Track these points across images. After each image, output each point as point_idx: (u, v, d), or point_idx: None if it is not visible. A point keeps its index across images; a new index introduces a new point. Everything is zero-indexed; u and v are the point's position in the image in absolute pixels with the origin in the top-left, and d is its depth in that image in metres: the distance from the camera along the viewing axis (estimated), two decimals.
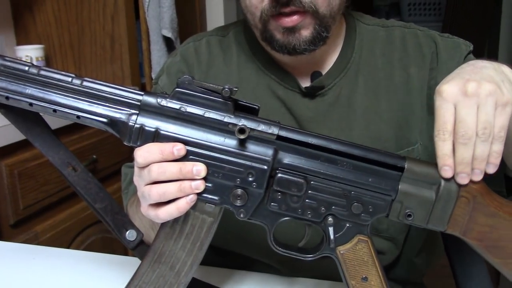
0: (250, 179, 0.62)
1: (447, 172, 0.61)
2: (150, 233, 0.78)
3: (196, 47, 0.95)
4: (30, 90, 0.62)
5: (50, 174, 1.58)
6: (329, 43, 0.85)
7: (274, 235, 0.66)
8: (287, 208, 0.64)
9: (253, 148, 0.62)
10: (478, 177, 0.62)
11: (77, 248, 1.70)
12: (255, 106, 0.65)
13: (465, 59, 0.87)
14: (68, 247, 1.67)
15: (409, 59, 0.88)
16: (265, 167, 0.62)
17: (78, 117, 0.63)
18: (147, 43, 2.18)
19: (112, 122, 0.62)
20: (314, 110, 0.87)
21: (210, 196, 0.63)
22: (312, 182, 0.63)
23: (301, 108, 0.87)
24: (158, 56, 2.18)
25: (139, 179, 0.63)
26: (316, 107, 0.87)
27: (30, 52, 1.90)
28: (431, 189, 0.63)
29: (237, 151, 0.62)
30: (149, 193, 0.61)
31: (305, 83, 0.88)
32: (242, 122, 0.62)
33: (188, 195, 0.61)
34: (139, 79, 2.12)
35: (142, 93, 0.63)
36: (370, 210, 0.64)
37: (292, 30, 0.79)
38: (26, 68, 0.62)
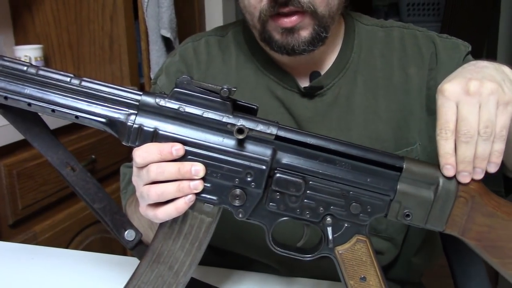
0: (249, 179, 0.62)
1: (449, 171, 0.61)
2: (149, 233, 0.78)
3: (195, 47, 0.95)
4: (28, 90, 0.62)
5: (49, 174, 1.58)
6: (328, 43, 0.85)
7: (273, 235, 0.66)
8: (286, 208, 0.64)
9: (252, 148, 0.62)
10: (479, 176, 0.62)
11: (76, 248, 1.70)
12: (253, 106, 0.65)
13: (464, 60, 0.87)
14: (67, 247, 1.67)
15: (408, 59, 0.89)
16: (264, 167, 0.62)
17: (76, 117, 0.63)
18: (146, 43, 2.18)
19: (111, 122, 0.62)
20: (313, 110, 0.87)
21: (208, 196, 0.63)
22: (310, 182, 0.63)
23: (300, 108, 0.87)
24: (157, 56, 2.18)
25: (137, 179, 0.63)
26: (315, 107, 0.87)
27: (29, 52, 1.90)
28: (430, 189, 0.63)
29: (235, 151, 0.62)
30: (147, 193, 0.61)
31: (304, 83, 0.88)
32: (241, 122, 0.62)
33: (186, 195, 0.61)
34: (138, 79, 2.12)
35: (141, 93, 0.63)
36: (369, 210, 0.64)
37: (291, 30, 0.79)
38: (25, 68, 0.62)
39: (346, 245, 0.65)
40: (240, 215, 0.64)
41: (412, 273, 0.97)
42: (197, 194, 0.62)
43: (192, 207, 0.63)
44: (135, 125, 0.62)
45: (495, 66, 0.65)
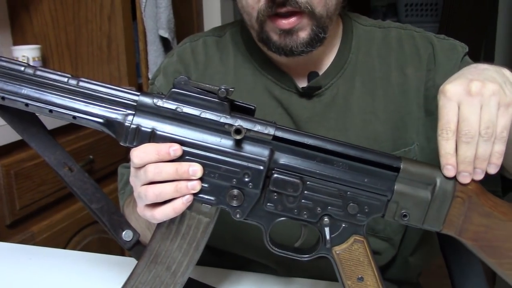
0: (246, 179, 0.62)
1: (449, 171, 0.62)
2: (147, 233, 0.78)
3: (193, 47, 0.95)
4: (26, 91, 0.62)
5: (47, 174, 1.58)
6: (326, 43, 0.85)
7: (270, 235, 0.66)
8: (283, 209, 0.64)
9: (249, 149, 0.62)
10: (479, 176, 0.62)
11: (74, 248, 1.69)
12: (251, 107, 0.65)
13: (462, 61, 0.87)
14: (64, 248, 1.67)
15: (406, 60, 0.89)
16: (261, 167, 0.62)
17: (74, 117, 0.62)
18: (144, 43, 2.18)
19: (108, 122, 0.62)
20: (311, 110, 0.87)
21: (206, 197, 0.63)
22: (308, 183, 0.63)
23: (298, 109, 0.87)
24: (154, 56, 2.18)
25: (135, 180, 0.63)
26: (313, 108, 0.87)
27: (27, 52, 1.89)
28: (427, 189, 0.63)
29: (233, 151, 0.62)
30: (145, 193, 0.61)
31: (302, 84, 0.88)
32: (238, 123, 0.62)
33: (184, 195, 0.61)
34: (136, 79, 2.12)
35: (138, 93, 0.63)
36: (366, 210, 0.64)
37: (289, 32, 0.79)
38: (22, 68, 0.62)
39: (344, 245, 0.65)
40: (238, 216, 0.64)
41: (410, 273, 0.97)
42: (194, 195, 0.62)
43: (189, 208, 0.63)
44: (132, 126, 0.61)
45: (495, 68, 0.66)
